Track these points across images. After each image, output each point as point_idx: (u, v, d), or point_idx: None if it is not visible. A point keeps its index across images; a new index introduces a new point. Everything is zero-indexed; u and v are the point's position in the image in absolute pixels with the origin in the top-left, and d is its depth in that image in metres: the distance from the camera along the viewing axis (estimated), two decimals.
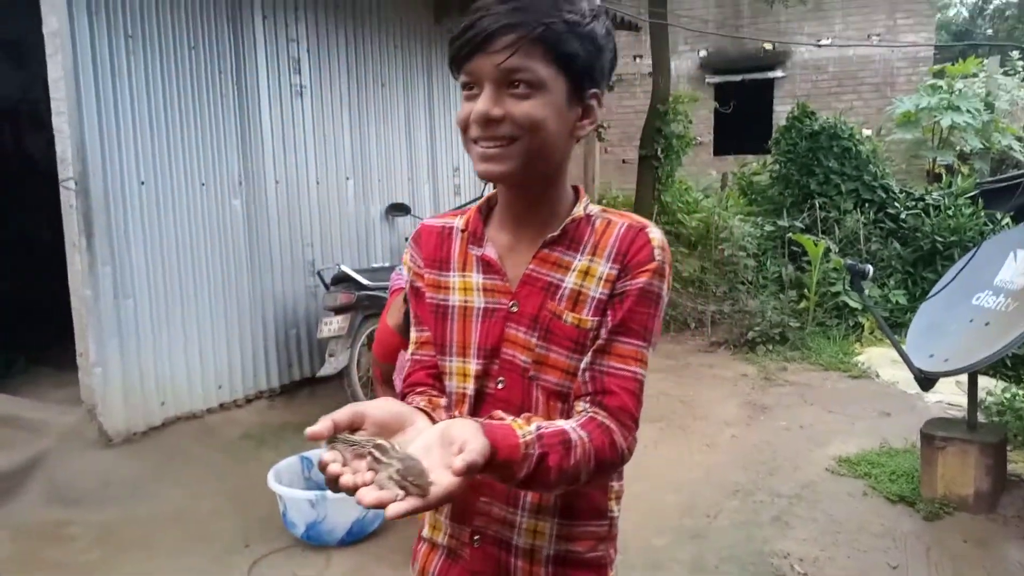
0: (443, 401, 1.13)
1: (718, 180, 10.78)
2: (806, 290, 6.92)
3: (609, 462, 1.03)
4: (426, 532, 1.22)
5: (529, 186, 1.09)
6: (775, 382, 5.70)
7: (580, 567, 1.13)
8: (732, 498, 3.79)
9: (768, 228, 7.65)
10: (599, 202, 10.20)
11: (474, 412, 1.10)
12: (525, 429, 0.95)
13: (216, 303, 4.49)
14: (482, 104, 1.01)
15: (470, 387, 1.11)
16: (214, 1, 4.44)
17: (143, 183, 4.08)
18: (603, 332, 1.07)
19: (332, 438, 0.89)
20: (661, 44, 8.30)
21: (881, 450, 4.28)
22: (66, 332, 4.01)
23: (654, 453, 4.29)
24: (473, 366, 1.11)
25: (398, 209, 5.64)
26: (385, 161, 5.66)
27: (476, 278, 1.13)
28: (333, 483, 0.86)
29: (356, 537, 3.29)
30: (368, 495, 0.84)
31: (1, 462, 3.72)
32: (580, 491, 1.08)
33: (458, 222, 1.18)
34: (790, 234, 7.33)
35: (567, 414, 1.08)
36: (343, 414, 0.90)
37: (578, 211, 1.12)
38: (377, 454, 0.88)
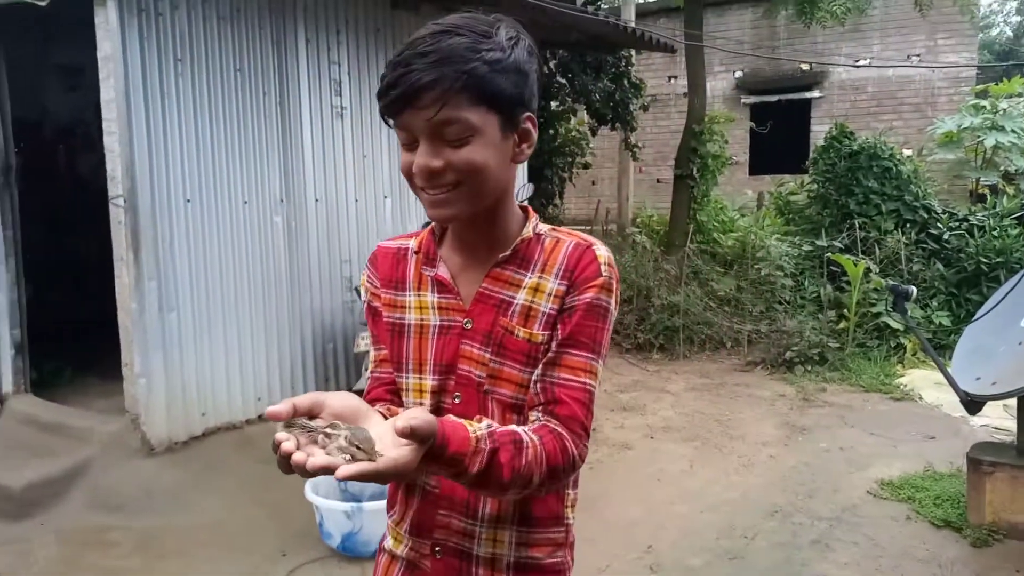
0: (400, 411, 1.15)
1: (754, 200, 10.70)
2: (845, 310, 6.80)
3: (561, 468, 1.05)
4: (388, 543, 1.25)
5: (477, 215, 1.12)
6: (814, 403, 5.60)
7: (539, 572, 1.17)
8: (770, 519, 3.72)
9: (806, 248, 7.56)
10: (633, 222, 10.19)
11: None
12: (476, 426, 0.98)
13: (256, 317, 4.57)
14: (421, 159, 1.04)
15: (427, 402, 1.15)
16: (260, 26, 4.57)
17: (189, 200, 4.20)
18: (553, 345, 1.11)
19: (290, 421, 0.92)
20: (696, 65, 8.32)
21: (925, 474, 4.18)
22: (112, 344, 4.12)
23: (690, 473, 4.23)
24: (429, 382, 1.15)
25: None
26: None
27: (431, 297, 1.16)
28: (285, 460, 0.88)
29: None
30: (315, 460, 0.86)
31: (47, 468, 3.82)
32: (536, 498, 1.12)
33: (412, 244, 1.22)
34: (829, 254, 7.23)
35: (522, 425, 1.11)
36: (303, 399, 0.94)
37: (527, 232, 1.16)
38: (329, 429, 0.91)
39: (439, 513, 1.15)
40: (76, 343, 5.40)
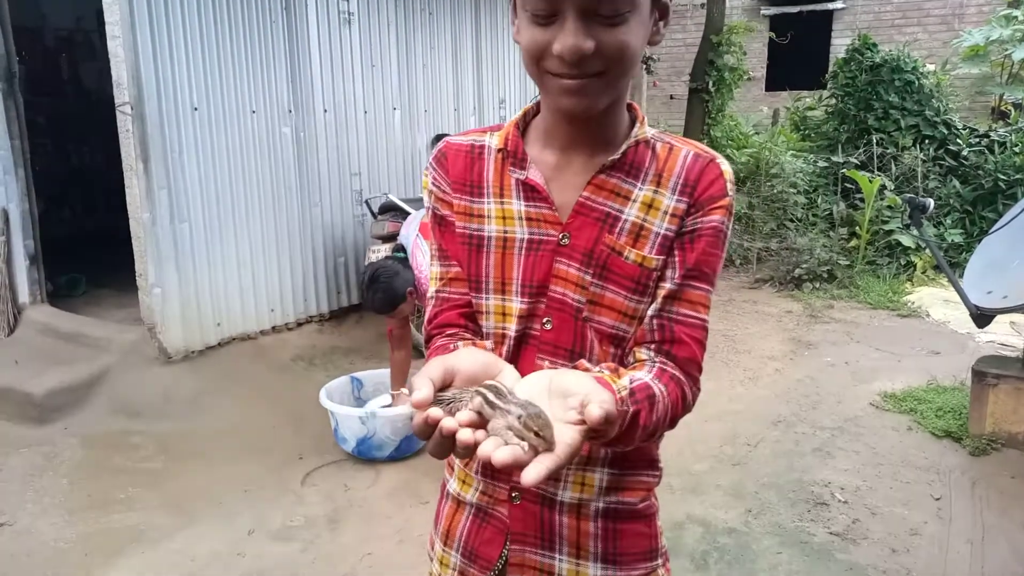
0: (488, 344, 1.01)
1: (769, 116, 10.45)
2: (857, 228, 6.75)
3: (679, 417, 0.96)
4: (453, 487, 1.11)
5: None
6: (821, 319, 5.63)
7: (633, 518, 1.05)
8: (773, 429, 3.80)
9: (821, 164, 7.43)
10: None
11: (515, 354, 1.01)
12: (619, 383, 0.86)
13: (267, 229, 4.58)
14: (570, 38, 0.86)
15: (512, 327, 1.00)
16: None
17: (196, 109, 4.14)
18: (672, 275, 0.97)
19: (437, 397, 0.77)
20: None
21: (928, 387, 4.23)
22: (125, 257, 4.15)
23: None
24: (516, 304, 0.99)
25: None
26: (431, 91, 5.62)
27: (517, 205, 1.00)
28: (449, 442, 0.73)
29: (404, 453, 3.41)
30: (502, 455, 0.70)
31: (68, 375, 3.92)
32: None
33: (492, 140, 1.04)
34: (844, 170, 7.12)
35: (620, 359, 1.00)
36: (436, 371, 0.79)
37: (638, 133, 0.99)
38: (491, 396, 0.75)
39: None
40: (89, 256, 5.45)
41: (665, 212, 0.97)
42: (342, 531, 2.91)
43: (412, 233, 3.70)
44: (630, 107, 1.02)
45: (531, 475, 0.69)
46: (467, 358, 0.84)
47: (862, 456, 3.51)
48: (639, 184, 0.98)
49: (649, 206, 0.97)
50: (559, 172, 1.00)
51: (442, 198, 1.05)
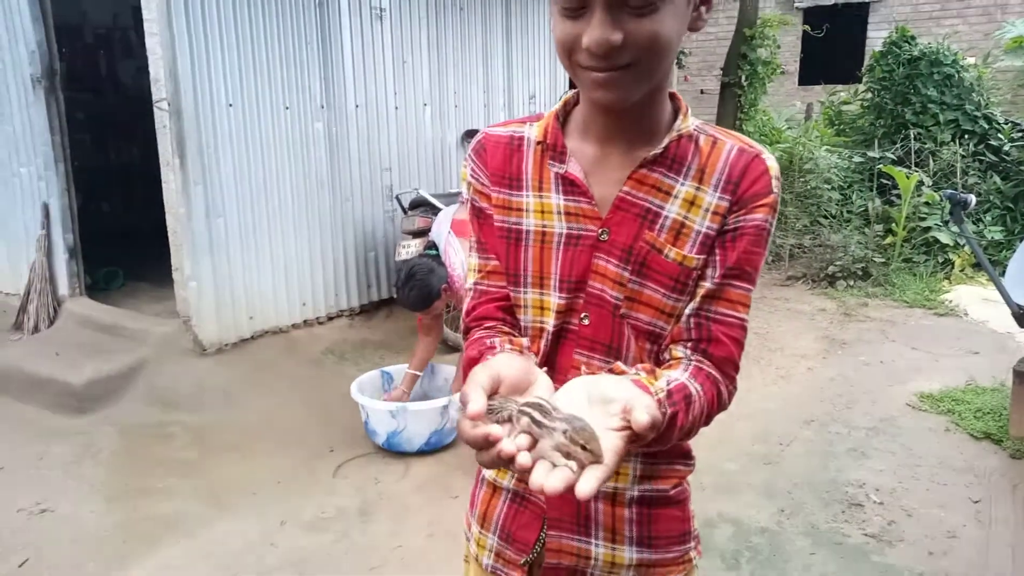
0: (525, 342, 1.01)
1: (802, 111, 10.29)
2: (893, 225, 6.62)
3: (714, 415, 0.96)
4: (489, 473, 1.12)
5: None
6: (855, 318, 5.54)
7: (667, 504, 1.06)
8: (806, 428, 3.75)
9: (856, 160, 7.30)
10: None
11: (552, 349, 1.01)
12: (656, 385, 0.87)
13: (299, 224, 4.63)
14: (598, 31, 0.84)
15: (549, 322, 1.00)
16: None
17: (231, 105, 4.19)
18: (713, 274, 0.96)
19: (490, 406, 0.77)
20: None
21: (967, 388, 4.14)
22: (161, 252, 4.22)
23: None
24: (554, 299, 0.99)
25: (473, 136, 5.62)
26: (462, 87, 5.63)
27: (556, 199, 0.98)
28: (505, 461, 0.73)
29: (434, 447, 3.43)
30: (554, 483, 0.71)
31: (106, 366, 4.00)
32: None
33: (531, 131, 1.02)
34: (880, 166, 6.99)
35: (656, 355, 1.00)
36: (485, 380, 0.79)
37: (683, 126, 0.96)
38: (537, 416, 0.74)
39: None
40: (127, 251, 5.55)
41: (707, 210, 0.95)
42: (373, 523, 2.93)
43: (444, 231, 3.71)
44: (673, 97, 0.99)
45: (585, 489, 0.71)
46: (508, 365, 0.84)
47: (898, 457, 3.45)
48: (681, 179, 0.96)
49: (691, 203, 0.96)
50: (598, 165, 0.98)
51: (481, 190, 1.04)
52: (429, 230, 4.60)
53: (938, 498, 3.10)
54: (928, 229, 6.58)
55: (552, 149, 1.00)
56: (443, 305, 3.54)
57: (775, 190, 0.96)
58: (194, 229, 4.08)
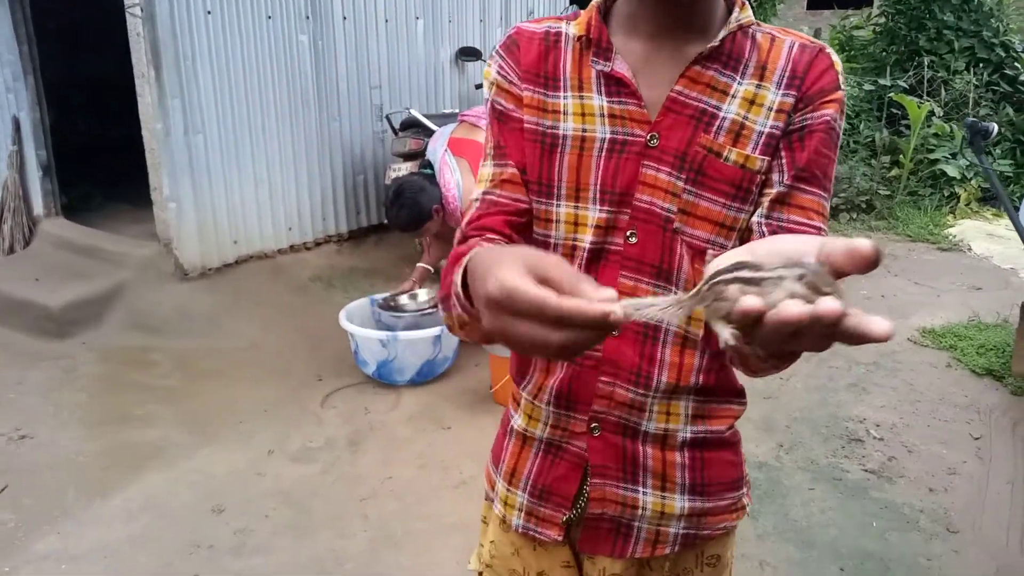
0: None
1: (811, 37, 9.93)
2: (900, 156, 6.43)
3: None
4: (518, 423, 1.01)
5: None
6: None
7: (721, 446, 0.97)
8: (805, 363, 3.66)
9: (866, 88, 7.04)
10: None
11: (588, 270, 0.88)
12: None
13: (284, 144, 4.41)
14: None
15: (586, 239, 0.88)
16: None
17: (209, 12, 3.91)
18: (780, 178, 0.85)
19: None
20: None
21: (969, 323, 4.06)
22: (139, 170, 4.02)
23: None
24: (593, 213, 0.88)
25: (468, 54, 5.34)
26: (456, 0, 5.31)
27: (598, 100, 0.87)
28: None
29: (425, 378, 3.33)
30: (829, 303, 0.52)
31: (84, 290, 3.85)
32: (722, 366, 0.92)
33: (570, 27, 0.91)
34: (891, 94, 6.74)
35: None
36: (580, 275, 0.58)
37: (742, 17, 0.86)
38: (748, 274, 0.56)
39: (601, 381, 0.91)
40: (103, 168, 5.32)
41: (770, 108, 0.85)
42: (362, 454, 2.85)
43: (440, 148, 3.52)
44: None
45: (885, 326, 0.51)
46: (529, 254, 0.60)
47: (899, 393, 3.38)
48: (739, 77, 0.85)
49: (751, 102, 0.85)
50: (647, 64, 0.87)
51: (508, 89, 0.92)
52: (421, 153, 4.39)
53: (938, 434, 3.04)
54: (935, 162, 6.39)
55: (596, 45, 0.88)
56: (436, 227, 3.38)
57: (843, 86, 0.85)
58: (172, 147, 3.87)
